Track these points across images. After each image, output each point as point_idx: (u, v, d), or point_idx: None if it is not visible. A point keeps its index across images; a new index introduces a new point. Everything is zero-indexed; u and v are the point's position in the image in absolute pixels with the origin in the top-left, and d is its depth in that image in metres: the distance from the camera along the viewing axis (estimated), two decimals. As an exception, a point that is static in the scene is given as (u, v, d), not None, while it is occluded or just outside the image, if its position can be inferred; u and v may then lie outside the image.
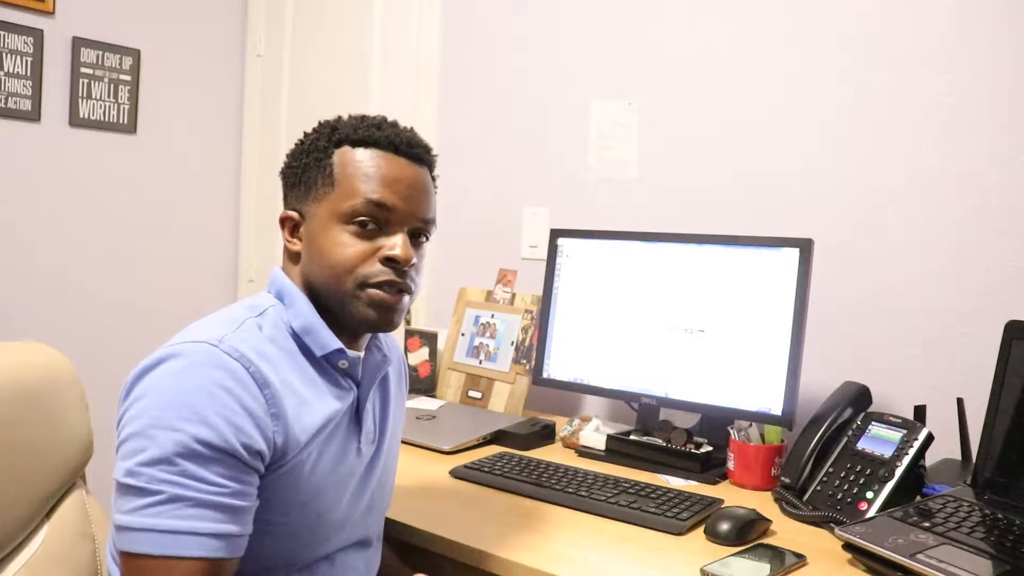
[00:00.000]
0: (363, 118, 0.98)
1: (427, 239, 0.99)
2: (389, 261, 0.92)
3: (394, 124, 0.98)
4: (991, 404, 1.18)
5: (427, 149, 1.00)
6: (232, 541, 0.81)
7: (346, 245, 0.92)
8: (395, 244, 0.93)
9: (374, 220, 0.92)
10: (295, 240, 0.97)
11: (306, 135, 0.99)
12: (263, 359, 0.85)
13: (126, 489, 0.78)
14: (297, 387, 0.89)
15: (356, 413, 0.98)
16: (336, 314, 0.94)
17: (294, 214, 0.97)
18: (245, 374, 0.82)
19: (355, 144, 0.95)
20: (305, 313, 0.93)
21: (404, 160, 0.96)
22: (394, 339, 1.14)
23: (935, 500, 1.13)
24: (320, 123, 1.00)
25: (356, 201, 0.92)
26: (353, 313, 0.93)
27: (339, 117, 1.00)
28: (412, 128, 1.00)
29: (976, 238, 1.43)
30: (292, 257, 0.98)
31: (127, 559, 0.79)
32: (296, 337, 0.93)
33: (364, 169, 0.93)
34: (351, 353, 0.95)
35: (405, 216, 0.94)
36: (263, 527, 0.86)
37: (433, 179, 1.01)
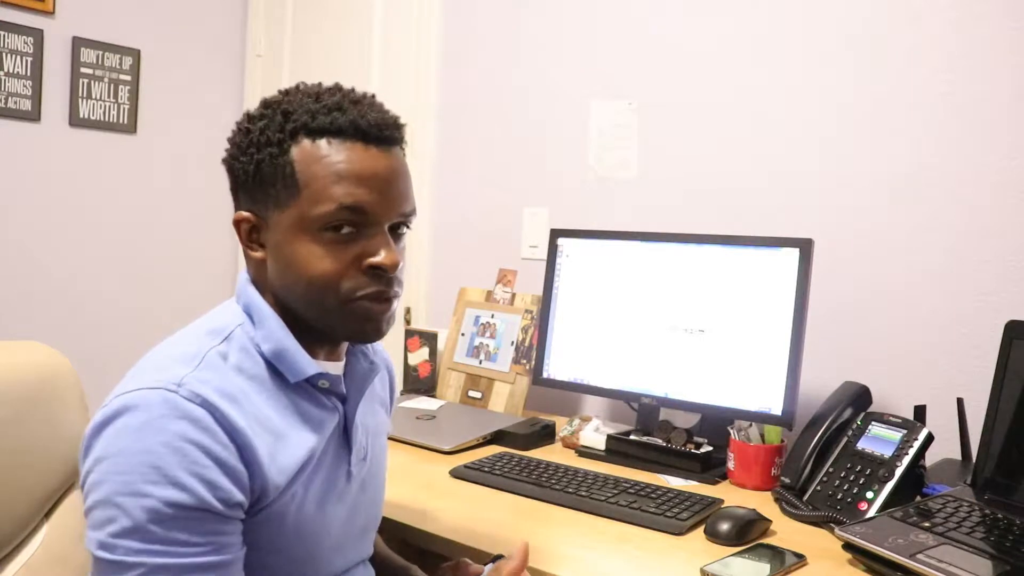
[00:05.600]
0: (317, 96, 0.85)
1: (408, 228, 0.88)
2: (374, 269, 0.82)
3: (356, 101, 0.85)
4: (991, 404, 1.18)
5: (397, 126, 0.86)
6: None
7: (322, 257, 0.81)
8: (378, 249, 0.82)
9: (350, 224, 0.81)
10: (256, 246, 0.85)
11: (251, 119, 0.86)
12: (229, 400, 0.77)
13: (102, 564, 0.72)
14: (272, 422, 0.81)
15: (344, 432, 0.90)
16: (319, 331, 0.85)
17: (250, 216, 0.85)
18: (211, 421, 0.74)
19: (315, 135, 0.82)
20: (276, 336, 0.83)
21: (375, 149, 0.83)
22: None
23: (935, 500, 1.13)
24: (265, 104, 0.86)
25: (328, 208, 0.80)
26: (339, 331, 0.85)
27: (286, 94, 0.86)
28: (373, 97, 0.87)
29: (976, 238, 1.43)
30: (256, 265, 0.86)
31: None
32: (267, 359, 0.84)
33: (332, 167, 0.81)
34: (332, 373, 0.87)
35: (384, 213, 0.83)
36: (253, 568, 0.81)
37: (404, 154, 0.89)
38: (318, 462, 0.85)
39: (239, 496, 0.76)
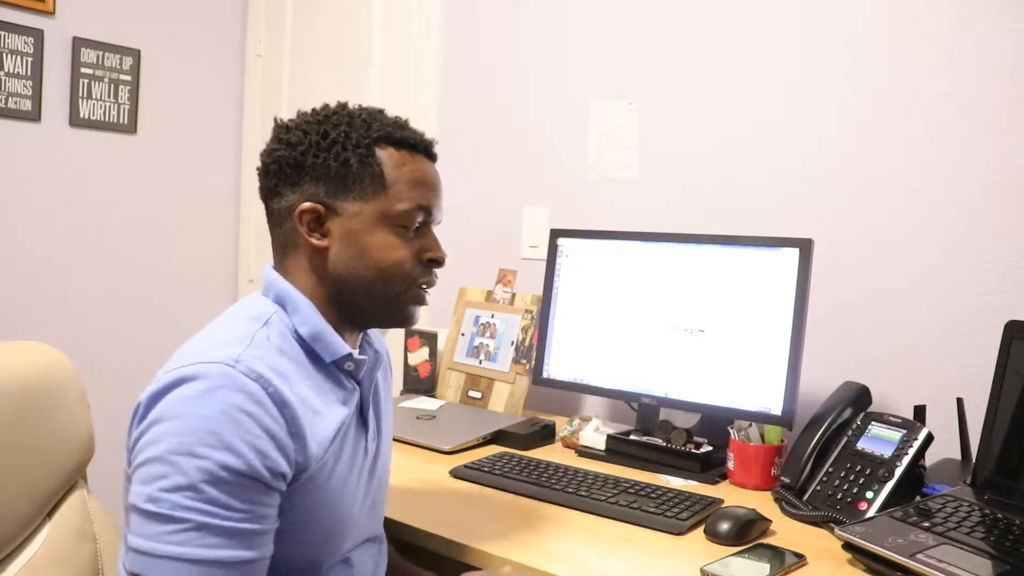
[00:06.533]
0: (380, 113, 0.98)
1: None
2: (433, 263, 0.98)
3: (407, 122, 1.00)
4: (991, 404, 1.18)
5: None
6: (254, 566, 0.81)
7: (397, 247, 0.94)
8: (435, 245, 0.98)
9: (416, 223, 0.96)
10: (317, 235, 0.93)
11: (328, 123, 0.94)
12: (279, 377, 0.84)
13: (146, 515, 0.77)
14: (310, 399, 0.88)
15: (360, 413, 0.99)
16: (366, 312, 0.96)
17: (318, 206, 0.93)
18: (264, 396, 0.81)
19: (397, 144, 0.95)
20: (312, 320, 0.92)
21: (431, 163, 1.00)
22: (375, 333, 1.11)
23: (935, 500, 1.14)
24: (336, 114, 0.96)
25: (410, 206, 0.94)
26: (391, 313, 0.97)
27: (351, 108, 0.97)
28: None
29: (976, 238, 1.43)
30: (311, 253, 0.94)
31: None
32: (302, 343, 0.92)
33: (413, 174, 0.95)
34: (357, 356, 0.96)
35: (436, 217, 0.99)
36: (285, 537, 0.85)
37: None
38: (344, 435, 0.93)
39: (284, 467, 0.82)
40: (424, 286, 0.98)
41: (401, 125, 0.98)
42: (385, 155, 0.94)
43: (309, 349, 0.92)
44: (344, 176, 0.93)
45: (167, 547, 0.76)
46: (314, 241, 0.93)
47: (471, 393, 1.82)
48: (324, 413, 0.90)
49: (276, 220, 0.97)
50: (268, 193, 0.97)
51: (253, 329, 0.88)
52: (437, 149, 1.03)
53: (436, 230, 1.02)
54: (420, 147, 0.98)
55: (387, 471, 1.10)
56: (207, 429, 0.78)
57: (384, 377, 1.12)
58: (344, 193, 0.93)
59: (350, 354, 0.94)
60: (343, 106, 0.98)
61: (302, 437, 0.84)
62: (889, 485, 1.18)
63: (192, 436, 0.77)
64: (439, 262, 0.98)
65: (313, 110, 0.98)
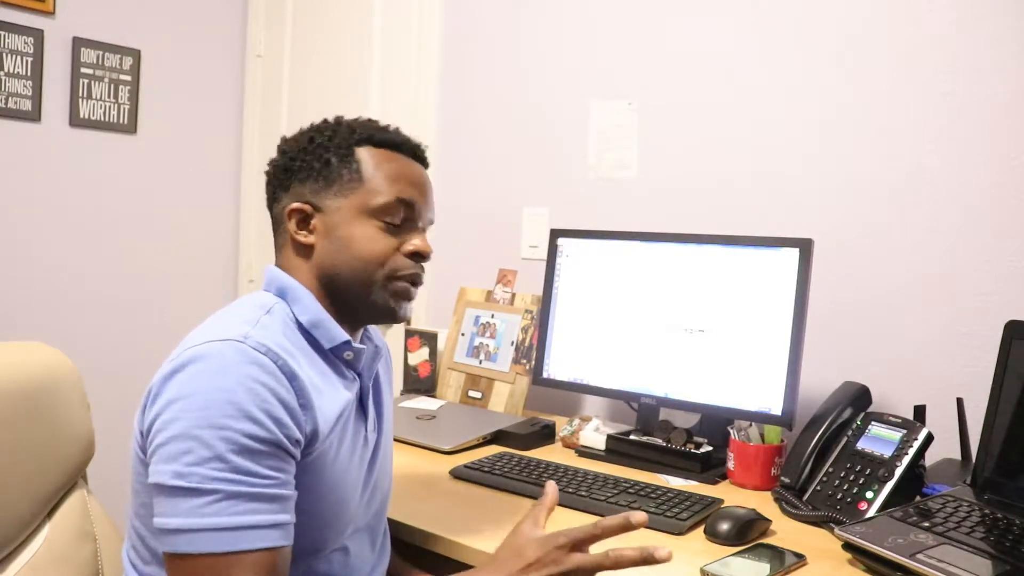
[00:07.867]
0: (370, 121, 1.03)
1: None
2: (415, 255, 0.99)
3: (398, 129, 1.04)
4: (991, 404, 1.18)
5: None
6: (287, 528, 0.83)
7: (376, 239, 0.97)
8: (419, 239, 0.99)
9: (400, 216, 0.98)
10: (304, 232, 0.98)
11: (316, 131, 1.01)
12: (286, 353, 0.87)
13: (175, 491, 0.79)
14: (314, 379, 0.91)
15: (360, 403, 1.01)
16: (355, 306, 0.98)
17: (305, 206, 0.98)
18: (275, 368, 0.84)
19: (378, 145, 1.00)
20: (312, 308, 0.96)
21: (418, 164, 1.03)
22: (376, 329, 1.15)
23: (935, 500, 1.14)
24: (326, 122, 1.03)
25: (387, 199, 0.97)
26: (377, 304, 0.98)
27: (343, 118, 1.03)
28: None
29: (976, 238, 1.43)
30: (301, 250, 0.99)
31: (183, 560, 0.79)
32: (304, 331, 0.95)
33: (392, 170, 0.99)
34: (356, 344, 0.98)
35: (422, 214, 1.02)
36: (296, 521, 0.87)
37: None
38: (346, 421, 0.95)
39: (298, 434, 0.85)
40: (408, 281, 0.99)
41: (385, 129, 1.02)
42: (365, 153, 0.99)
43: (310, 337, 0.95)
44: (326, 175, 0.98)
45: (202, 520, 0.78)
46: (301, 238, 0.98)
47: (471, 393, 1.82)
48: (328, 394, 0.92)
49: (275, 224, 1.02)
50: (269, 200, 1.03)
51: (258, 314, 0.91)
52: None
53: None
54: (404, 148, 1.02)
55: (388, 464, 1.10)
56: (226, 400, 0.80)
57: (385, 371, 1.14)
58: (326, 191, 0.98)
59: (348, 341, 0.97)
60: (337, 118, 1.04)
61: (311, 409, 0.87)
62: (889, 485, 1.18)
63: (212, 409, 0.79)
64: (422, 255, 0.99)
65: (312, 123, 1.04)
